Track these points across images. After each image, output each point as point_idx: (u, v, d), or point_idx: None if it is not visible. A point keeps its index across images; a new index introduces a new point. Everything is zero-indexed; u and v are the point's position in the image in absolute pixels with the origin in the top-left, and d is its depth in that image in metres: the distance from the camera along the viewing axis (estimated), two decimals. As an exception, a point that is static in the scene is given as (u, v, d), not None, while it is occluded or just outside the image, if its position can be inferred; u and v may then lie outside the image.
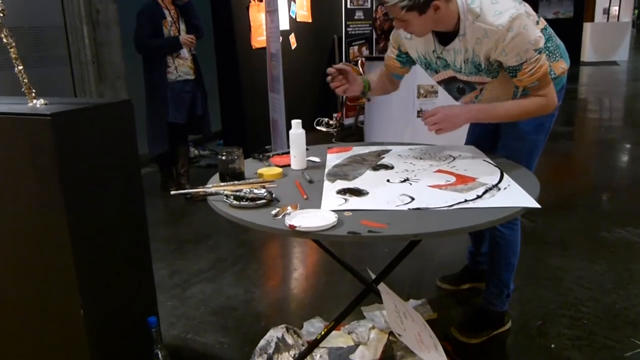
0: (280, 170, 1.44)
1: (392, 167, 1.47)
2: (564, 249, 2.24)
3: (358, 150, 1.70)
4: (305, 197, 1.23)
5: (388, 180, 1.35)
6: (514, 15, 1.32)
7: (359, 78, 1.59)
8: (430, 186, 1.29)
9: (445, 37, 1.45)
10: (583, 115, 5.15)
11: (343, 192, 1.27)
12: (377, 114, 3.54)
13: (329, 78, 1.52)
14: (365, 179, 1.38)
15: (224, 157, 1.35)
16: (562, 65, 1.51)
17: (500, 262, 1.68)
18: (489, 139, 1.63)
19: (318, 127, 5.07)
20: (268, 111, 3.82)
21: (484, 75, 1.46)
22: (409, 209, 1.15)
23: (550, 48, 1.49)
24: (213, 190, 1.27)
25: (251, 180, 1.36)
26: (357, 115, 4.64)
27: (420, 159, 1.55)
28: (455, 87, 1.54)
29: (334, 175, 1.42)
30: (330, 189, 1.30)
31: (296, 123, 1.50)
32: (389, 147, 1.69)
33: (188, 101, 2.99)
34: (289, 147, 1.51)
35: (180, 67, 2.91)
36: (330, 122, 5.85)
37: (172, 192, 1.30)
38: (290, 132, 1.51)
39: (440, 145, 1.68)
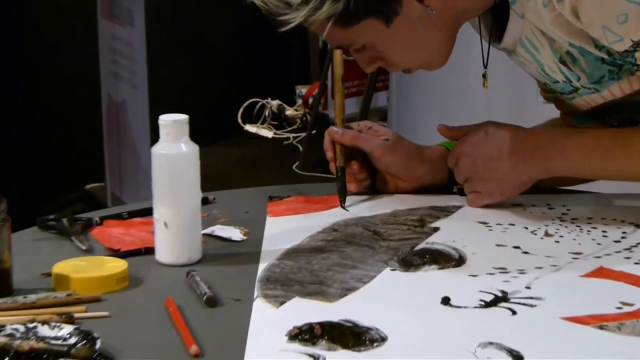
0: (122, 266, 1.44)
1: (460, 260, 1.48)
2: None
3: (360, 206, 1.73)
4: (194, 350, 1.21)
5: (447, 302, 1.34)
6: None
7: (436, 150, 1.80)
8: (568, 319, 1.28)
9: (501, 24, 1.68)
10: None
11: (307, 336, 1.25)
12: (424, 93, 3.70)
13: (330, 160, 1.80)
14: (381, 297, 1.39)
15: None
16: None
17: None
18: None
19: (248, 128, 5.00)
20: (97, 84, 3.82)
21: (627, 75, 1.62)
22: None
23: None
24: None
25: (33, 297, 1.32)
26: (366, 95, 4.78)
27: (547, 234, 1.57)
28: (612, 122, 1.73)
29: (286, 285, 1.42)
30: (269, 326, 1.30)
31: (176, 123, 1.47)
32: (450, 203, 1.75)
33: None
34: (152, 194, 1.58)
35: None
36: (287, 111, 5.73)
37: None
38: (153, 150, 1.50)
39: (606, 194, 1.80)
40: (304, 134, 4.90)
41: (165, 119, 1.47)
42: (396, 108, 3.96)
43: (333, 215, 1.68)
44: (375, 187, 1.79)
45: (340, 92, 1.75)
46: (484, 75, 1.70)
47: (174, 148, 1.47)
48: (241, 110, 4.85)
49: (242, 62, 5.13)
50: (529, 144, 1.67)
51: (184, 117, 1.47)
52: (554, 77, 1.64)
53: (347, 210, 1.70)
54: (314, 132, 4.72)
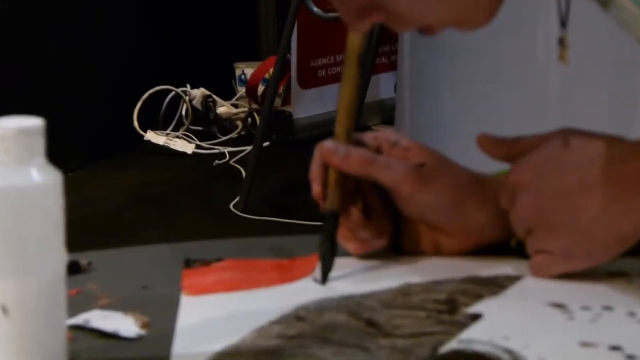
0: None
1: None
2: None
3: (344, 276, 1.77)
4: None
5: None
6: None
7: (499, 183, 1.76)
8: None
9: None
10: None
11: None
12: (457, 77, 3.93)
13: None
14: None
15: None
16: None
17: None
18: None
19: (151, 137, 5.22)
20: None
21: None
22: None
23: None
24: None
25: None
26: (357, 73, 5.41)
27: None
28: None
29: None
30: None
31: (22, 134, 1.52)
32: (501, 271, 1.74)
33: None
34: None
35: None
36: (220, 107, 5.96)
37: None
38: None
39: None
40: (249, 148, 5.03)
41: (4, 127, 1.43)
42: (410, 102, 4.02)
43: (298, 293, 1.61)
44: (400, 245, 1.75)
45: (350, 80, 1.73)
46: (561, 42, 1.58)
47: (18, 176, 1.37)
48: (138, 107, 5.00)
49: (140, 25, 5.22)
50: (634, 168, 1.66)
51: (36, 123, 1.36)
52: None
53: (323, 284, 1.67)
54: (266, 144, 4.87)
